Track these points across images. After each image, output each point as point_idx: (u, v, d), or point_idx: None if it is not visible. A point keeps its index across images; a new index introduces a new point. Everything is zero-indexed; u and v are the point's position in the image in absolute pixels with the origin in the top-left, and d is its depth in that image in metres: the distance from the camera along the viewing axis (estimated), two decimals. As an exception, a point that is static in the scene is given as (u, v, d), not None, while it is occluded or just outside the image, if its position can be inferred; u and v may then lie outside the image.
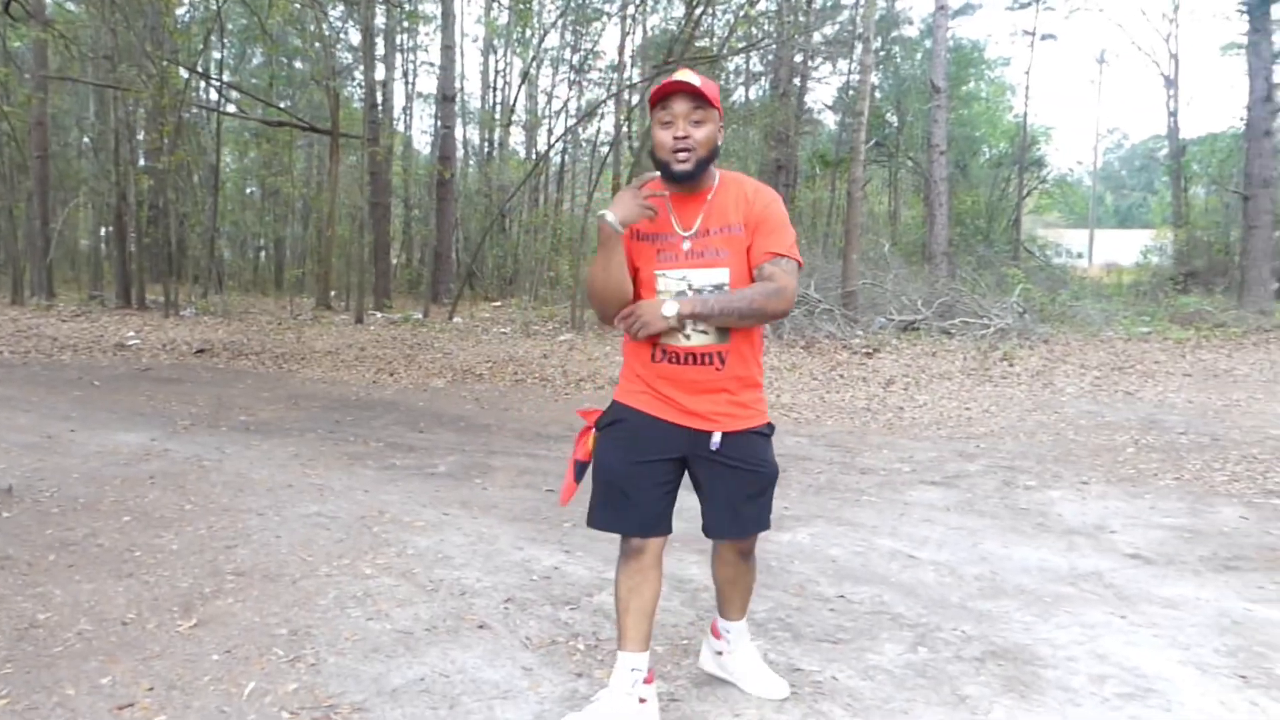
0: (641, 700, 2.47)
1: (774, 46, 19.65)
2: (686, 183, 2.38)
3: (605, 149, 22.78)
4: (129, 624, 3.12)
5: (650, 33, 23.46)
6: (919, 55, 26.48)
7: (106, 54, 16.52)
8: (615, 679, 2.48)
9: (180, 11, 18.31)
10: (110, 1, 14.22)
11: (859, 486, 5.43)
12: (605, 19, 22.94)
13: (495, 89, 29.85)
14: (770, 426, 2.54)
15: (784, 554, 4.05)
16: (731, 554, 2.64)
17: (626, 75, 22.68)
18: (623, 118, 20.71)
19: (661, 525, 2.47)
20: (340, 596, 3.41)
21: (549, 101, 28.67)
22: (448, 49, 21.97)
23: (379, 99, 21.33)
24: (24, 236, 18.94)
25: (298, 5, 15.94)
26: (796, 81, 22.74)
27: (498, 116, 27.72)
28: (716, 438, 2.42)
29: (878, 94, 25.11)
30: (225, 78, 21.26)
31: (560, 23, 23.37)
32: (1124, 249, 32.35)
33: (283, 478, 5.28)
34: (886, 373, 10.24)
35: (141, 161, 19.44)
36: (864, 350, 11.74)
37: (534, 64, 25.36)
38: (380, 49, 23.13)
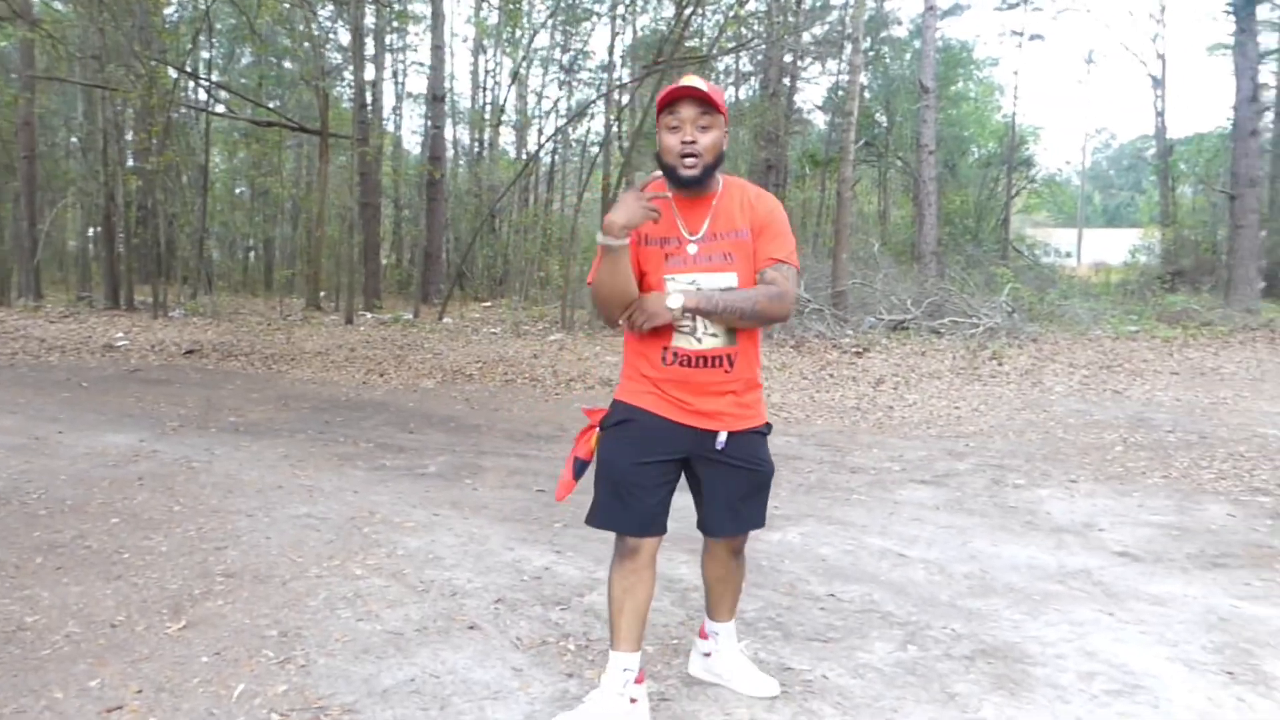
0: (632, 700, 2.47)
1: (763, 47, 19.65)
2: (693, 188, 2.40)
3: (595, 149, 22.77)
4: (117, 626, 3.10)
5: (640, 33, 23.45)
6: (908, 55, 26.56)
7: (94, 54, 16.44)
8: (607, 679, 2.48)
9: (168, 11, 18.28)
10: (98, 1, 14.14)
11: (849, 485, 5.44)
12: (595, 19, 22.95)
13: (485, 89, 29.79)
14: (768, 426, 2.58)
15: (774, 553, 4.06)
16: (724, 552, 2.66)
17: (616, 75, 22.68)
18: (613, 118, 20.73)
19: (659, 525, 2.48)
20: (330, 598, 3.41)
21: (539, 101, 28.63)
22: (437, 49, 21.95)
23: (368, 99, 21.27)
24: (11, 237, 18.86)
25: (287, 5, 15.91)
26: (786, 82, 22.74)
27: (487, 116, 27.68)
28: (722, 437, 2.45)
29: (867, 94, 25.19)
30: (214, 77, 21.23)
31: (550, 23, 23.37)
32: (1112, 248, 32.52)
33: (272, 479, 5.27)
34: (876, 372, 10.27)
35: (130, 162, 19.33)
36: (854, 350, 11.76)
37: (524, 64, 25.36)
38: (370, 49, 23.05)
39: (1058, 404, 8.34)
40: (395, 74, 29.94)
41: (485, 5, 25.84)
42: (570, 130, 24.72)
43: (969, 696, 2.72)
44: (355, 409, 7.89)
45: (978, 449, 6.55)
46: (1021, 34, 28.91)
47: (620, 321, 2.44)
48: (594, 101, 22.41)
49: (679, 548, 3.87)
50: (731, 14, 16.69)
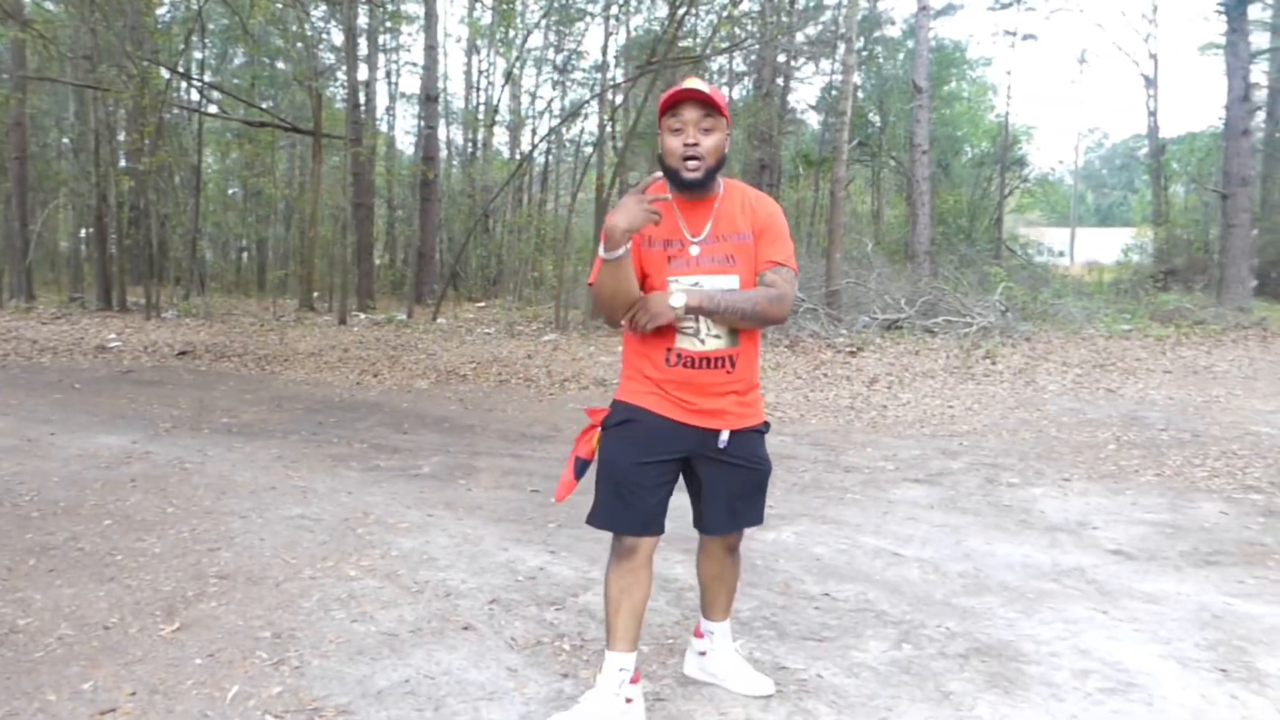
0: (628, 700, 2.48)
1: (757, 47, 19.66)
2: (696, 190, 2.41)
3: (589, 149, 22.77)
4: (110, 628, 3.09)
5: (633, 33, 23.46)
6: (901, 55, 26.59)
7: (86, 54, 16.37)
8: (603, 679, 2.49)
9: (161, 11, 18.20)
10: (90, 1, 14.09)
11: (843, 485, 5.44)
12: (588, 19, 22.94)
13: (479, 89, 29.79)
14: (767, 424, 2.60)
15: (769, 552, 4.06)
16: (720, 550, 2.68)
17: (610, 75, 22.68)
18: (606, 118, 20.69)
19: (658, 525, 2.49)
20: (324, 599, 3.40)
21: (532, 101, 28.62)
22: (431, 49, 21.92)
23: (362, 99, 21.26)
24: (3, 238, 18.79)
25: (279, 5, 15.86)
26: (780, 81, 22.78)
27: (481, 116, 27.63)
28: (724, 435, 2.46)
29: (860, 94, 25.19)
30: (207, 78, 21.12)
31: (543, 23, 23.33)
32: (1105, 247, 32.58)
33: (266, 480, 5.25)
34: (870, 371, 10.28)
35: (122, 162, 19.30)
36: (848, 349, 11.78)
37: (517, 64, 25.30)
38: (363, 49, 23.07)
39: (1051, 403, 8.35)
40: (389, 74, 29.93)
41: (479, 5, 25.80)
42: (564, 130, 24.73)
43: (963, 695, 2.72)
44: (349, 410, 7.88)
45: (971, 448, 6.56)
46: (1014, 34, 29.00)
47: (623, 322, 2.44)
48: (588, 101, 22.38)
49: (674, 548, 3.87)
50: (725, 14, 16.70)
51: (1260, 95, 21.57)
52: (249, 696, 2.64)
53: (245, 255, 31.04)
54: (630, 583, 2.47)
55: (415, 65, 29.14)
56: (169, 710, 2.55)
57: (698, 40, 18.37)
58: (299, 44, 17.87)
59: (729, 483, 2.52)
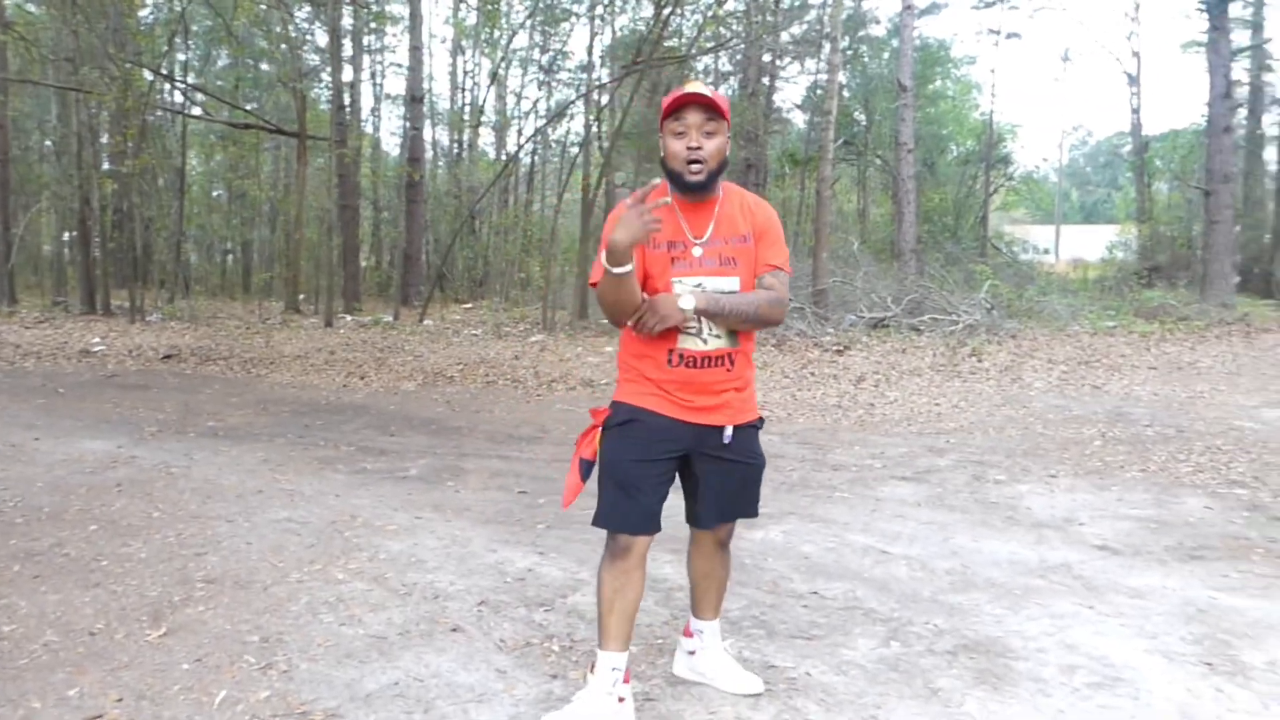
0: (620, 700, 2.49)
1: (742, 46, 19.69)
2: (698, 193, 2.44)
3: (575, 149, 22.76)
4: (97, 634, 3.08)
5: (619, 33, 23.43)
6: (886, 54, 26.65)
7: (68, 56, 16.27)
8: (596, 678, 2.49)
9: (143, 13, 18.11)
10: (71, 3, 14.00)
11: (831, 483, 5.46)
12: (573, 19, 22.91)
13: (464, 90, 29.71)
14: (761, 420, 2.64)
15: (757, 551, 4.07)
16: (711, 545, 2.70)
17: (595, 76, 22.65)
18: (592, 118, 20.68)
19: (656, 523, 2.51)
20: (312, 602, 3.39)
21: (518, 102, 28.54)
22: (415, 50, 21.85)
23: (346, 101, 21.18)
24: (-15, 242, 18.61)
25: (263, 6, 15.80)
26: (765, 81, 22.80)
27: (466, 117, 27.58)
28: (729, 431, 2.51)
29: (845, 93, 25.24)
30: (190, 80, 21.03)
31: (529, 23, 23.30)
32: (1089, 244, 32.70)
33: (252, 483, 5.23)
34: (857, 370, 10.31)
35: (105, 165, 19.17)
36: (835, 348, 11.81)
37: (503, 65, 25.28)
38: (348, 50, 22.95)
39: (1037, 400, 8.40)
40: (373, 75, 29.81)
41: (464, 6, 25.76)
42: (550, 131, 24.72)
43: (952, 691, 2.73)
44: (335, 412, 7.85)
45: (958, 445, 6.58)
46: (998, 32, 29.07)
47: (629, 324, 2.46)
48: (573, 102, 22.37)
49: (662, 548, 3.87)
50: (710, 14, 16.72)
51: (1242, 92, 21.74)
52: (237, 701, 2.63)
53: (230, 258, 30.88)
54: (624, 583, 2.49)
55: (400, 66, 29.07)
56: (156, 716, 2.54)
57: (683, 40, 18.37)
58: (283, 45, 17.79)
59: (726, 478, 2.56)
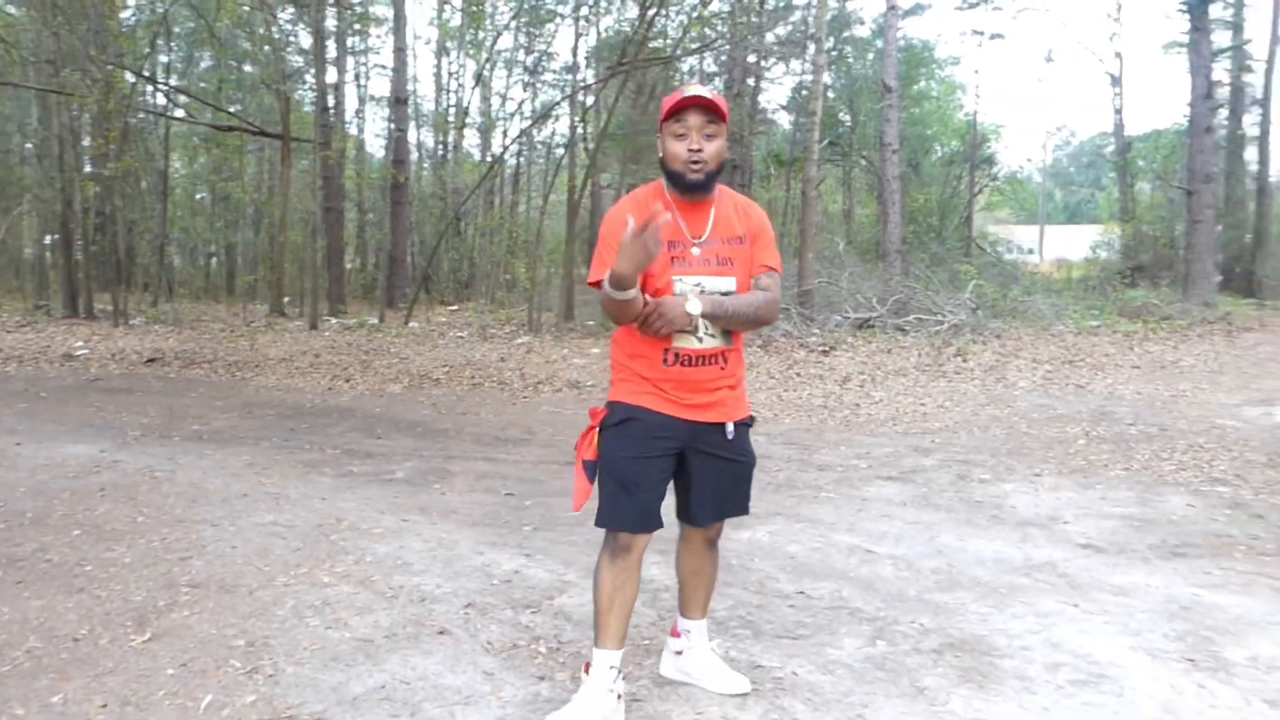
0: (619, 697, 2.51)
1: (727, 47, 19.70)
2: (697, 193, 2.48)
3: (560, 151, 22.72)
4: (80, 640, 3.06)
5: (604, 34, 23.43)
6: (870, 55, 26.73)
7: (49, 58, 16.14)
8: (594, 676, 2.51)
9: (125, 14, 18.00)
10: (52, 4, 13.90)
11: (817, 483, 5.47)
12: (558, 20, 22.90)
13: (449, 91, 29.60)
14: (752, 418, 2.68)
15: (743, 551, 4.08)
16: (700, 542, 2.73)
17: (581, 77, 22.64)
18: (577, 119, 20.68)
19: (656, 520, 2.53)
20: (298, 606, 3.38)
21: (503, 103, 28.46)
22: (400, 51, 21.79)
23: (330, 102, 21.07)
24: (-35, 246, 18.47)
25: (246, 8, 15.73)
26: (750, 82, 22.81)
27: (451, 119, 27.51)
28: (730, 427, 2.55)
29: (830, 94, 25.32)
30: (173, 82, 20.92)
31: (513, 24, 23.27)
32: (1073, 244, 32.88)
33: (237, 487, 5.21)
34: (843, 370, 10.34)
35: (87, 168, 19.01)
36: (820, 348, 11.84)
37: (487, 66, 25.23)
38: (331, 52, 22.84)
39: (1021, 399, 8.44)
40: (357, 77, 29.66)
41: (448, 7, 25.72)
42: (535, 132, 24.66)
43: (938, 690, 2.75)
44: (321, 415, 7.82)
45: (943, 445, 6.61)
46: (982, 33, 29.19)
47: (632, 323, 2.46)
48: (558, 103, 22.35)
49: (650, 549, 3.85)
50: (695, 15, 16.74)
51: (1223, 93, 21.90)
52: (223, 706, 2.62)
53: (214, 261, 30.68)
54: (624, 581, 2.53)
55: (384, 68, 28.98)
56: (141, 721, 2.53)
57: (668, 41, 18.38)
58: (266, 47, 17.72)
59: (719, 476, 2.59)
